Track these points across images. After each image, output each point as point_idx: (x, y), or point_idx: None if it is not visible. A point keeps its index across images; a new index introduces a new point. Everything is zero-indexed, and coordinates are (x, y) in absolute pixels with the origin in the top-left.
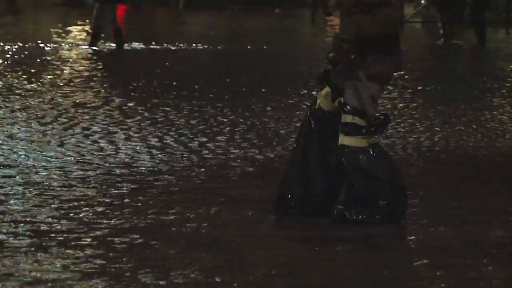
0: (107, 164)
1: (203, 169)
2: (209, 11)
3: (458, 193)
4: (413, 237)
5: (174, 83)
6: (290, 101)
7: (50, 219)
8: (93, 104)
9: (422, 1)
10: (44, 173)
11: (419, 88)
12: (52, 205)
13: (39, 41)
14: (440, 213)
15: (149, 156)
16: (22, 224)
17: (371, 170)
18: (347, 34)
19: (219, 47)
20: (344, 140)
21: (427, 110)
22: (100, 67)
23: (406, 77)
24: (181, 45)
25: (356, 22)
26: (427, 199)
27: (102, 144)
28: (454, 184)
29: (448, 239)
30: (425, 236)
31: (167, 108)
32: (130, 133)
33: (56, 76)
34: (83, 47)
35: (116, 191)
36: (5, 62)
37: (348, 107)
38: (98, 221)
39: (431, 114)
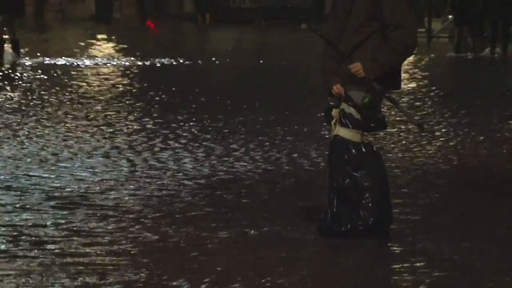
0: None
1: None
2: (236, 26)
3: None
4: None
5: (217, 97)
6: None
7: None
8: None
9: (450, 16)
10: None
11: (451, 103)
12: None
13: (66, 56)
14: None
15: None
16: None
17: (357, 167)
18: (374, 74)
19: (245, 62)
20: (340, 130)
21: (471, 126)
22: (126, 82)
23: (436, 91)
24: (201, 60)
25: (377, 60)
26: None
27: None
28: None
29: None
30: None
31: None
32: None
33: (90, 90)
34: (113, 62)
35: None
36: (32, 76)
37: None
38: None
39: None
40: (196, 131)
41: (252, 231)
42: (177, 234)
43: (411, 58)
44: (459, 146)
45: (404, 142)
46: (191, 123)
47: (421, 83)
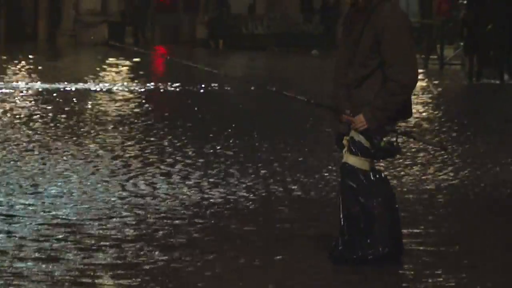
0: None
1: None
2: (249, 51)
3: None
4: None
5: (230, 125)
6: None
7: None
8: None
9: (462, 43)
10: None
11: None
12: None
13: (78, 80)
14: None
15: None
16: None
17: (367, 195)
18: (378, 122)
19: (257, 88)
20: (349, 158)
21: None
22: (140, 107)
23: (449, 118)
24: (212, 85)
25: (377, 108)
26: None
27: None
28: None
29: None
30: None
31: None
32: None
33: (102, 115)
34: (124, 87)
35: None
36: (44, 101)
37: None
38: None
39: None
40: (194, 156)
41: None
42: (182, 262)
43: (423, 85)
44: (474, 174)
45: (419, 169)
46: (196, 148)
47: (433, 110)
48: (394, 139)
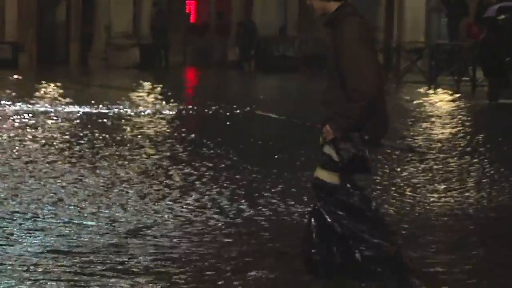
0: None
1: None
2: (281, 74)
3: None
4: None
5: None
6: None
7: None
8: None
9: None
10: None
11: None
12: None
13: (108, 104)
14: None
15: None
16: None
17: (337, 208)
18: (342, 129)
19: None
20: (319, 173)
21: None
22: (173, 129)
23: (477, 138)
24: (243, 107)
25: (340, 116)
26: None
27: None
28: None
29: None
30: None
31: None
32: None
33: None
34: (156, 110)
35: None
36: (76, 124)
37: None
38: None
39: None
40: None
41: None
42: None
43: (453, 105)
44: (496, 193)
45: (443, 187)
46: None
47: (461, 129)
48: (361, 153)
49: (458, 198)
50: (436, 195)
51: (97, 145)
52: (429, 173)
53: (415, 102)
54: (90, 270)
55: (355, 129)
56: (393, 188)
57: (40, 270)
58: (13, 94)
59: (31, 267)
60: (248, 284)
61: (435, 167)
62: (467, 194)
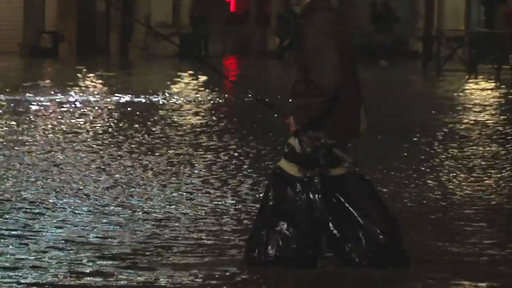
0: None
1: None
2: None
3: None
4: None
5: None
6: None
7: None
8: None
9: None
10: None
11: None
12: None
13: (149, 93)
14: None
15: None
16: None
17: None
18: (301, 121)
19: None
20: (282, 163)
21: None
22: (212, 119)
23: None
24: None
25: (300, 108)
26: None
27: None
28: None
29: None
30: None
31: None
32: None
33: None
34: (193, 99)
35: None
36: (116, 114)
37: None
38: None
39: None
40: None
41: None
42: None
43: (493, 93)
44: None
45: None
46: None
47: (502, 117)
48: (325, 145)
49: (496, 188)
50: (475, 184)
51: (134, 134)
52: (468, 160)
53: (455, 90)
54: (116, 262)
55: (317, 123)
56: (432, 176)
57: (63, 261)
58: (53, 83)
59: (52, 258)
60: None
61: (474, 154)
62: (503, 184)
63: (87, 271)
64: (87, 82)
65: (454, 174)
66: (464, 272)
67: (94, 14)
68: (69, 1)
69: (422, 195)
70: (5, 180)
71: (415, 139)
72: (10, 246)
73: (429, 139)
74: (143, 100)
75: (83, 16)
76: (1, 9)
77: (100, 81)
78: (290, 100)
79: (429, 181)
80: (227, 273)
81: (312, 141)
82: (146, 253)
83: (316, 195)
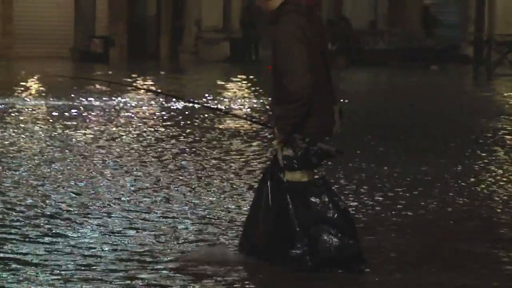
0: None
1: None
2: (371, 67)
3: None
4: None
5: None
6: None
7: None
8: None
9: None
10: None
11: None
12: None
13: (198, 97)
14: None
15: None
16: None
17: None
18: (282, 130)
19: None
20: (287, 175)
21: None
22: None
23: None
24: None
25: (279, 118)
26: None
27: None
28: None
29: None
30: None
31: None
32: None
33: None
34: (243, 103)
35: None
36: (166, 118)
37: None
38: None
39: None
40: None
41: None
42: None
43: None
44: None
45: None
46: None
47: None
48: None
49: None
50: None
51: (184, 139)
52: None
53: (505, 95)
54: (153, 268)
55: (296, 129)
56: (470, 181)
57: (99, 267)
58: (104, 88)
59: (86, 263)
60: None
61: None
62: None
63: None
64: (137, 87)
65: (497, 179)
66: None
67: (145, 18)
68: (120, 6)
69: (462, 200)
70: (62, 185)
71: (456, 142)
72: (55, 252)
73: (479, 142)
74: (196, 106)
75: (133, 20)
76: (52, 15)
77: (150, 85)
78: (270, 110)
79: (463, 185)
80: None
81: (298, 144)
82: None
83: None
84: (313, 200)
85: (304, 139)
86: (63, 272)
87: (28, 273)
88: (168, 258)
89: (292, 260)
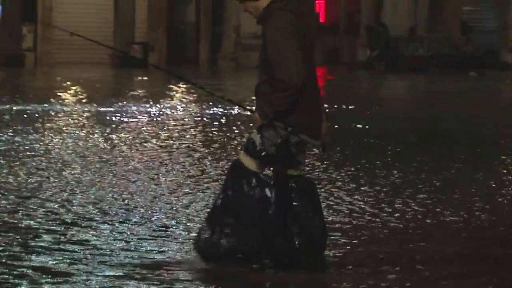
0: None
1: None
2: (410, 74)
3: None
4: None
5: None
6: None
7: None
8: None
9: None
10: None
11: None
12: None
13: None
14: None
15: None
16: None
17: (241, 195)
18: (266, 115)
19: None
20: (242, 156)
21: None
22: None
23: None
24: (377, 107)
25: (264, 103)
26: None
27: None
28: None
29: None
30: None
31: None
32: None
33: None
34: None
35: None
36: (205, 124)
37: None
38: None
39: None
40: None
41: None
42: None
43: None
44: None
45: None
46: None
47: None
48: (286, 144)
49: None
50: None
51: (224, 145)
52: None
53: None
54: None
55: (280, 119)
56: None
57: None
58: (142, 93)
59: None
60: None
61: None
62: None
63: None
64: (178, 94)
65: None
66: None
67: (184, 24)
68: (159, 12)
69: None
70: (94, 191)
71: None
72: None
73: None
74: (236, 112)
75: (172, 26)
76: (91, 21)
77: (189, 91)
78: (255, 99)
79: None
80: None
81: (278, 132)
82: None
83: (272, 192)
84: (246, 189)
85: (286, 128)
86: (85, 281)
87: (47, 282)
88: (189, 266)
89: (203, 241)
